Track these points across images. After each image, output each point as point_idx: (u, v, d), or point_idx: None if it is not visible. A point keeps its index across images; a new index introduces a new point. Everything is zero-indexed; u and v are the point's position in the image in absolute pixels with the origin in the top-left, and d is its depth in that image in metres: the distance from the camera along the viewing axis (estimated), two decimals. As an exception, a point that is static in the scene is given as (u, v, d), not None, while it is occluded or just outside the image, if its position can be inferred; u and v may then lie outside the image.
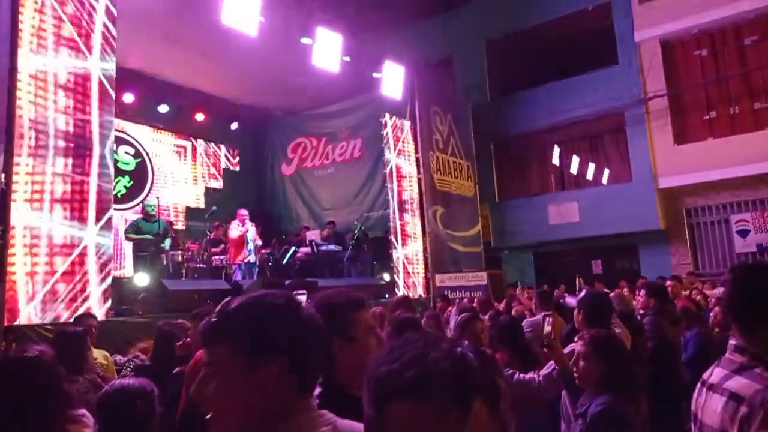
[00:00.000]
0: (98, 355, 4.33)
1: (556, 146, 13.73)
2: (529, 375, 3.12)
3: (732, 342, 1.63)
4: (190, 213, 12.01)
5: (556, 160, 13.67)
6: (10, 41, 5.63)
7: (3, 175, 5.40)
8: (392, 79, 10.66)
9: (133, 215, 9.75)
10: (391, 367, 0.73)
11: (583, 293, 3.59)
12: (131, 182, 11.01)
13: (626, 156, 13.60)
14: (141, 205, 9.19)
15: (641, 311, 4.84)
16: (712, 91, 12.78)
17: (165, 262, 8.34)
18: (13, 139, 5.48)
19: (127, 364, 4.93)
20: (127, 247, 9.37)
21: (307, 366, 1.09)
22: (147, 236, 8.04)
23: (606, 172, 14.09)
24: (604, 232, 13.08)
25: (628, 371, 2.47)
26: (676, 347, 4.79)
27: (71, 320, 5.15)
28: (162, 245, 8.16)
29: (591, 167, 13.96)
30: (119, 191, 10.36)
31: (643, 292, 5.05)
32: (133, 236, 8.14)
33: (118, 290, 6.94)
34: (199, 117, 12.15)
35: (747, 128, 12.09)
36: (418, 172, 11.56)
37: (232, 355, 1.04)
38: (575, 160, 13.84)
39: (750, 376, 1.52)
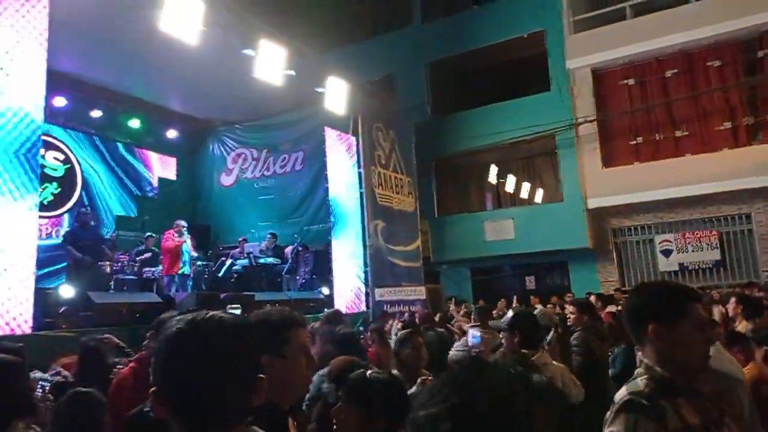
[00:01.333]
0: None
1: (493, 165, 14.17)
2: None
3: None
4: (120, 222, 11.53)
5: (493, 179, 14.11)
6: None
7: None
8: (335, 94, 10.69)
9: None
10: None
11: (509, 314, 3.63)
12: (59, 189, 10.49)
13: (557, 177, 14.21)
14: (77, 213, 8.80)
15: (571, 326, 5.04)
16: (638, 118, 13.57)
17: (101, 274, 8.01)
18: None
19: (42, 383, 4.66)
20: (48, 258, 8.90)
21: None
22: (85, 247, 7.71)
23: (539, 191, 14.67)
24: (536, 249, 13.57)
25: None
26: (603, 363, 5.01)
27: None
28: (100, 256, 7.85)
29: (525, 186, 14.48)
30: (46, 197, 9.84)
31: (573, 308, 5.25)
32: (70, 247, 7.78)
33: (41, 302, 6.57)
34: (135, 123, 11.75)
35: (670, 154, 12.90)
36: (360, 187, 11.62)
37: None
38: (511, 180, 14.33)
39: (630, 384, 1.68)
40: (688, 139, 12.90)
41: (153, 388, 1.08)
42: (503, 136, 13.92)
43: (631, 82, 13.60)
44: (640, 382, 1.65)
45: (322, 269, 11.17)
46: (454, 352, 4.44)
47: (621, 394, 1.69)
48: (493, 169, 14.06)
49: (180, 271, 8.95)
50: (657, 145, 13.22)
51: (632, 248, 13.53)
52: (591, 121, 13.48)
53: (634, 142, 13.49)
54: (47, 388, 4.02)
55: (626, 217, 13.44)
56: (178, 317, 1.14)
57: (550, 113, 13.51)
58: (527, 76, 14.35)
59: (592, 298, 7.82)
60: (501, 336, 3.57)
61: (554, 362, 3.39)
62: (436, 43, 15.30)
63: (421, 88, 15.52)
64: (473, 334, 3.30)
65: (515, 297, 9.99)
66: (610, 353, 5.14)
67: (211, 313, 1.14)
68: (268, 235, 11.41)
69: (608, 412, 1.67)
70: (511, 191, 14.42)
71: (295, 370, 1.60)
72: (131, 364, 3.40)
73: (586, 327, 5.08)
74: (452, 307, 10.42)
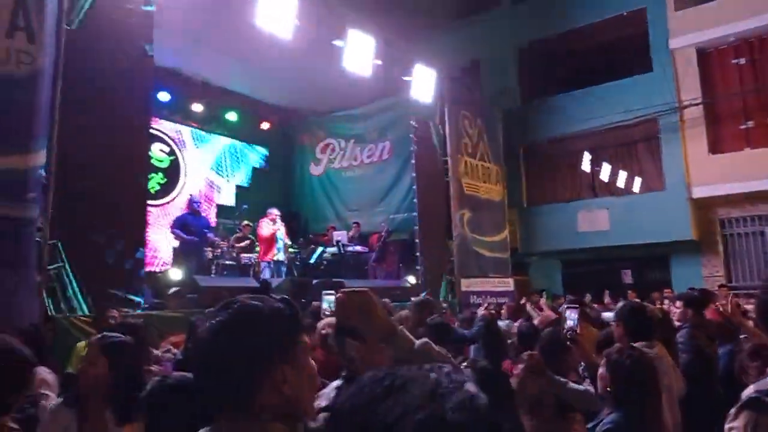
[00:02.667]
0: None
1: (586, 152, 13.57)
2: (584, 386, 3.02)
3: None
4: (220, 210, 12.20)
5: (586, 167, 13.51)
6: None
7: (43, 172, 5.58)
8: (422, 83, 10.68)
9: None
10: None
11: (620, 305, 3.46)
12: (165, 179, 11.24)
13: (659, 164, 13.37)
14: (188, 201, 9.43)
15: (677, 323, 4.74)
16: (749, 101, 12.49)
17: (201, 259, 8.54)
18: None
19: (162, 356, 5.03)
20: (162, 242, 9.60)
21: None
22: (193, 233, 8.27)
23: (638, 180, 13.87)
24: (634, 242, 12.87)
25: (642, 390, 2.35)
26: (712, 362, 4.68)
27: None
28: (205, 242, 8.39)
29: (622, 175, 13.75)
30: (153, 188, 10.58)
31: (679, 303, 4.95)
32: (178, 231, 8.36)
33: (152, 284, 7.09)
34: (231, 116, 12.34)
35: (786, 138, 11.81)
36: (446, 176, 11.54)
37: None
38: (606, 168, 13.65)
39: (760, 381, 1.58)
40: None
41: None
42: (599, 122, 13.29)
43: (741, 61, 12.53)
44: None
45: (408, 258, 11.24)
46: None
47: (748, 391, 1.60)
48: (587, 157, 13.45)
49: (275, 258, 9.33)
50: (771, 129, 12.11)
51: (741, 241, 12.50)
52: (697, 104, 12.56)
53: (745, 126, 12.45)
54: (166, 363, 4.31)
55: (735, 207, 12.42)
56: (209, 311, 1.17)
57: (651, 96, 12.72)
58: (625, 58, 13.57)
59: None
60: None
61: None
62: (526, 26, 14.82)
63: (509, 73, 15.12)
64: (571, 317, 3.14)
65: (606, 291, 9.43)
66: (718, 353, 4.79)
67: (253, 304, 1.14)
68: (353, 224, 11.61)
69: (732, 408, 1.59)
70: (607, 180, 13.72)
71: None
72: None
73: (693, 324, 4.76)
74: (542, 300, 10.12)
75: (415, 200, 11.14)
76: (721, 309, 6.48)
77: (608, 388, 2.41)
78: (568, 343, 3.12)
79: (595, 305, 7.83)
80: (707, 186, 12.38)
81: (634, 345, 2.92)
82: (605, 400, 2.47)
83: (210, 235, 8.65)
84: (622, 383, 2.34)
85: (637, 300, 6.51)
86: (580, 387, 2.96)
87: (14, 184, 5.33)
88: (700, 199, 12.55)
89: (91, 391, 2.20)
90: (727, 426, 1.57)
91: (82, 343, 4.70)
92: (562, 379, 2.91)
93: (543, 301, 9.66)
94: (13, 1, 5.52)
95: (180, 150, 11.74)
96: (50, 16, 5.81)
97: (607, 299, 9.13)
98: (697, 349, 4.50)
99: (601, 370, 2.48)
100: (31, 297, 5.25)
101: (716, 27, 12.36)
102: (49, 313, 5.50)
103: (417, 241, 10.97)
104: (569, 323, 3.11)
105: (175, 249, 8.68)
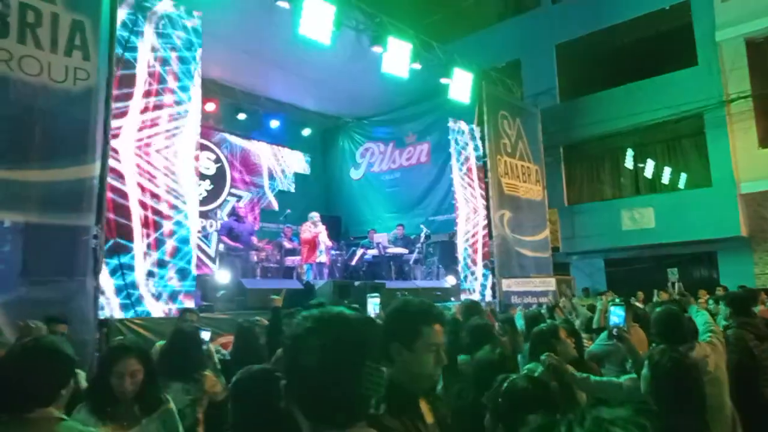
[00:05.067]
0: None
1: (629, 149, 13.30)
2: (607, 379, 3.07)
3: None
4: (264, 215, 12.53)
5: (629, 164, 13.24)
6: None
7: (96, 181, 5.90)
8: (460, 84, 10.72)
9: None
10: None
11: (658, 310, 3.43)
12: (212, 185, 11.64)
13: (705, 160, 12.99)
14: (233, 207, 9.77)
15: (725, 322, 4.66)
16: (802, 91, 12.01)
17: (247, 262, 8.81)
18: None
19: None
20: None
21: None
22: (238, 237, 8.58)
23: (683, 176, 13.51)
24: (681, 239, 12.54)
25: (681, 393, 2.37)
26: (761, 363, 4.57)
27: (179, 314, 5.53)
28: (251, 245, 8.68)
29: (667, 171, 13.42)
30: (200, 194, 10.96)
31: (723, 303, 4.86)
32: (225, 237, 8.68)
33: (201, 287, 7.37)
34: (274, 124, 12.66)
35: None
36: (486, 177, 11.53)
37: None
38: (650, 164, 13.35)
39: None
40: None
41: (284, 381, 1.14)
42: (641, 118, 13.01)
43: (793, 50, 12.05)
44: None
45: (448, 259, 11.28)
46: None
47: None
48: (630, 154, 13.18)
49: (317, 260, 9.54)
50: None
51: (795, 237, 12.02)
52: (745, 97, 12.13)
53: (797, 118, 11.96)
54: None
55: (788, 202, 11.96)
56: (305, 313, 1.18)
57: (696, 90, 12.38)
58: (669, 52, 13.23)
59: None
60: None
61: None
62: (566, 24, 14.65)
63: (548, 72, 14.97)
64: (616, 313, 3.12)
65: (655, 291, 9.20)
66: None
67: (337, 310, 1.17)
68: (397, 226, 11.74)
69: None
70: (650, 176, 13.41)
71: (421, 366, 1.63)
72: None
73: (741, 323, 4.67)
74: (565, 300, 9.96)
75: (453, 201, 11.17)
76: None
77: (650, 389, 2.44)
78: (614, 340, 3.13)
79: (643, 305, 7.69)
80: (757, 181, 11.97)
81: (678, 348, 2.93)
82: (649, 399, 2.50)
83: (254, 239, 8.94)
84: (666, 385, 2.37)
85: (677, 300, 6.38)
86: (603, 378, 3.01)
87: (71, 195, 5.66)
88: (750, 194, 12.13)
89: (129, 395, 2.50)
90: None
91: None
92: (583, 375, 2.98)
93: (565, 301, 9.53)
94: (70, 23, 5.87)
95: (225, 157, 12.13)
96: (104, 35, 6.15)
97: (656, 298, 8.93)
98: (744, 350, 4.42)
99: (644, 371, 2.51)
100: (87, 302, 5.55)
101: (766, 16, 11.92)
102: (103, 317, 5.77)
103: (456, 242, 11.01)
104: (614, 320, 3.12)
105: (221, 253, 8.99)
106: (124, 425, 2.48)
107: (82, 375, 3.04)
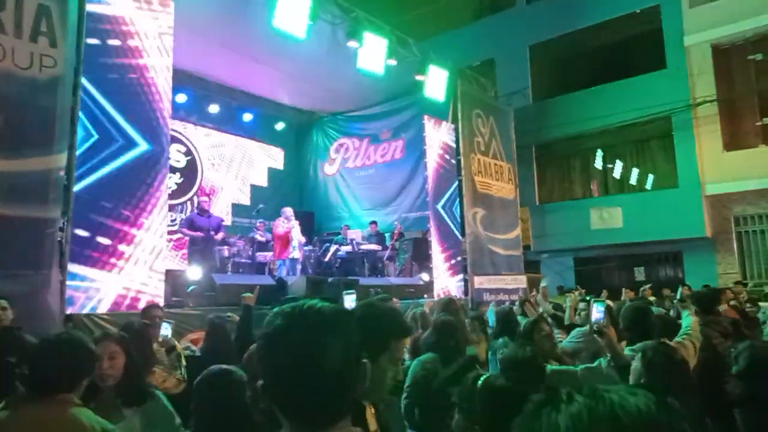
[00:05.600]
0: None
1: (599, 150, 13.55)
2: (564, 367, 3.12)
3: None
4: (236, 209, 12.37)
5: (599, 164, 13.50)
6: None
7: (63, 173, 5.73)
8: (435, 82, 10.75)
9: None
10: None
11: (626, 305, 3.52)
12: (182, 179, 11.42)
13: (672, 161, 13.33)
14: (195, 200, 9.56)
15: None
16: (765, 97, 12.40)
17: (214, 257, 8.66)
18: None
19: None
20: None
21: None
22: (199, 231, 8.39)
23: (650, 177, 13.84)
24: (648, 238, 12.85)
25: (676, 385, 2.38)
26: (724, 360, 4.70)
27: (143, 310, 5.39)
28: (214, 240, 8.50)
29: (635, 172, 13.72)
30: (170, 187, 10.74)
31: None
32: (187, 231, 8.50)
33: (170, 282, 7.22)
34: (247, 117, 12.49)
35: (802, 135, 11.73)
36: (459, 174, 11.60)
37: None
38: (619, 165, 13.63)
39: None
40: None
41: (260, 381, 1.05)
42: (611, 119, 13.26)
43: (758, 57, 12.42)
44: None
45: (422, 256, 11.32)
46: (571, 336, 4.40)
47: None
48: (599, 154, 13.44)
49: (290, 256, 9.46)
50: (788, 125, 12.03)
51: (757, 238, 12.43)
52: (711, 101, 12.48)
53: (761, 123, 12.35)
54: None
55: (751, 205, 12.35)
56: (276, 309, 1.10)
57: (665, 93, 12.68)
58: (638, 55, 13.53)
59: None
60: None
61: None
62: (540, 25, 14.83)
63: (522, 72, 15.14)
64: (598, 310, 3.16)
65: (624, 289, 9.40)
66: (732, 350, 4.81)
67: (310, 303, 1.08)
68: (370, 224, 11.72)
69: None
70: (619, 177, 13.70)
71: (381, 378, 1.60)
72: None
73: (707, 322, 4.79)
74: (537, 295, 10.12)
75: (428, 199, 11.21)
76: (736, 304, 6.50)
77: (641, 381, 2.47)
78: (595, 335, 3.19)
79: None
80: (721, 183, 12.34)
81: (668, 342, 2.98)
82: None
83: (220, 233, 8.73)
84: (659, 379, 2.41)
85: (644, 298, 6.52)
86: (561, 367, 3.08)
87: (36, 186, 5.47)
88: (714, 195, 12.50)
89: (109, 380, 2.50)
90: None
91: None
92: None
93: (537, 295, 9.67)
94: (36, 7, 5.67)
95: (196, 150, 11.91)
96: (71, 22, 5.96)
97: (623, 296, 9.13)
98: (709, 347, 4.54)
99: (634, 364, 2.54)
100: (52, 296, 5.39)
101: (732, 23, 12.28)
102: (69, 312, 5.61)
103: (430, 239, 11.05)
104: (596, 316, 3.17)
105: (189, 248, 8.83)
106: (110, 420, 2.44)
107: None
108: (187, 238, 8.84)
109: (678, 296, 7.28)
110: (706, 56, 12.65)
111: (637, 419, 0.62)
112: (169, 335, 4.27)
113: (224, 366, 2.46)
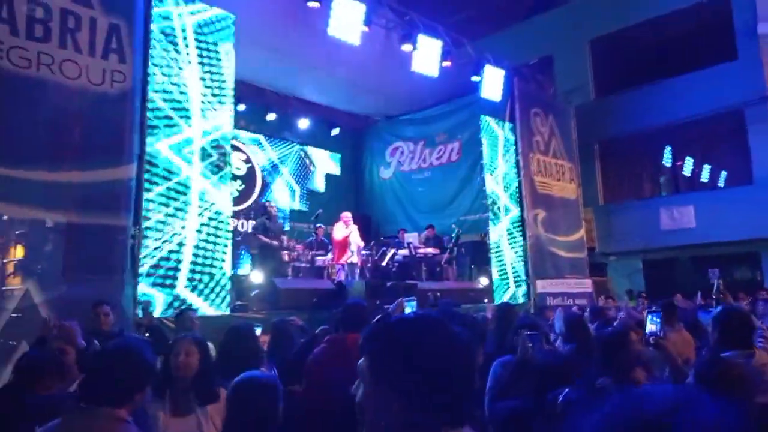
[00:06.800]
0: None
1: (667, 147, 12.94)
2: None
3: None
4: (294, 215, 12.57)
5: (667, 162, 12.89)
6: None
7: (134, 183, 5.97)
8: (492, 82, 10.57)
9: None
10: None
11: (718, 309, 3.23)
12: (243, 186, 11.74)
13: (747, 157, 12.56)
14: (264, 206, 9.76)
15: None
16: None
17: (279, 262, 8.83)
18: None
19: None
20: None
21: None
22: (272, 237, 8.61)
23: (723, 174, 13.09)
24: (722, 239, 12.14)
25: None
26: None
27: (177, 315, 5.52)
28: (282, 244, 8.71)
29: (706, 169, 13.02)
30: (232, 194, 11.04)
31: (776, 303, 4.65)
32: (261, 235, 8.72)
33: (235, 287, 7.41)
34: (303, 124, 12.69)
35: None
36: (518, 175, 11.34)
37: None
38: (689, 162, 12.97)
39: None
40: None
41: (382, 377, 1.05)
42: (679, 114, 12.65)
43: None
44: None
45: (480, 259, 11.13)
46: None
47: None
48: (668, 151, 12.82)
49: (349, 260, 9.51)
50: None
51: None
52: (790, 92, 11.70)
53: None
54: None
55: (836, 200, 11.46)
56: (402, 314, 1.15)
57: (736, 86, 12.01)
58: (708, 47, 12.84)
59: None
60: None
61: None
62: (599, 18, 14.35)
63: (582, 67, 14.68)
64: (653, 321, 2.96)
65: (699, 292, 8.92)
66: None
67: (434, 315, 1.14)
68: (427, 227, 11.62)
69: None
70: (689, 174, 13.03)
71: None
72: (323, 344, 3.69)
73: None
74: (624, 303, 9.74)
75: (485, 201, 11.02)
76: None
77: None
78: (651, 348, 3.00)
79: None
80: (802, 178, 11.52)
81: (726, 355, 2.76)
82: None
83: (285, 238, 8.95)
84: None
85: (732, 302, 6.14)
86: None
87: (108, 196, 5.75)
88: (795, 192, 11.68)
89: (183, 377, 2.65)
90: None
91: None
92: None
93: (625, 303, 9.30)
94: (107, 27, 5.96)
95: (255, 158, 12.21)
96: (138, 38, 6.23)
97: (699, 300, 8.69)
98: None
99: (689, 380, 2.39)
100: (126, 301, 5.61)
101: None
102: (139, 316, 5.81)
103: (488, 242, 10.85)
104: (651, 329, 2.97)
105: (253, 253, 9.03)
106: (180, 411, 2.62)
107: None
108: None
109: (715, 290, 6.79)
110: (784, 44, 11.87)
111: None
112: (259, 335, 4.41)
113: (258, 373, 2.52)
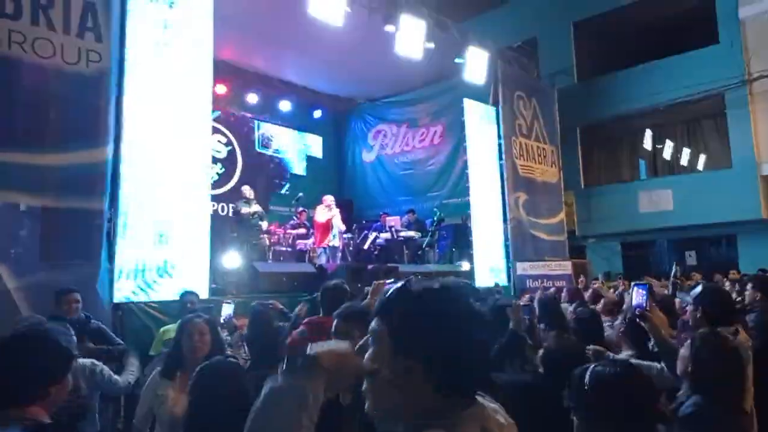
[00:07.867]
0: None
1: (648, 130, 13.05)
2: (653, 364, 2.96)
3: None
4: (275, 198, 12.49)
5: (648, 145, 13.01)
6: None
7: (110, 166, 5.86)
8: (475, 65, 10.51)
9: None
10: None
11: (699, 288, 3.30)
12: (223, 169, 11.61)
13: (725, 141, 12.72)
14: (240, 189, 9.67)
15: (747, 307, 4.55)
16: (828, 70, 11.67)
17: (255, 245, 8.78)
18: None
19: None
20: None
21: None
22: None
23: (702, 157, 13.26)
24: (699, 221, 12.34)
25: (726, 377, 2.29)
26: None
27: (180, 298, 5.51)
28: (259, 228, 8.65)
29: (686, 153, 13.17)
30: (213, 177, 10.93)
31: (749, 285, 4.75)
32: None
33: (211, 270, 7.34)
34: (285, 106, 12.55)
35: None
36: (500, 158, 11.36)
37: None
38: (669, 145, 13.11)
39: None
40: None
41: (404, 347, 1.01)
42: (660, 98, 12.74)
43: (820, 27, 11.68)
44: None
45: (462, 243, 11.19)
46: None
47: None
48: (648, 135, 12.93)
49: (330, 244, 9.50)
50: None
51: (818, 220, 11.77)
52: (768, 77, 11.83)
53: (823, 97, 11.63)
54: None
55: (811, 185, 11.69)
56: (418, 284, 1.09)
57: (717, 70, 12.09)
58: (689, 30, 12.90)
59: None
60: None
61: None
62: (584, 1, 14.30)
63: (565, 51, 14.67)
64: (640, 294, 2.98)
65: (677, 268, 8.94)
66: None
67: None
68: (408, 211, 11.63)
69: None
70: (669, 158, 13.17)
71: None
72: (302, 327, 3.69)
73: (765, 308, 4.55)
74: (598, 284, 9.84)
75: (468, 184, 11.04)
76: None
77: (688, 370, 2.36)
78: (636, 320, 3.05)
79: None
80: (779, 162, 11.71)
81: (718, 330, 2.82)
82: (683, 381, 2.43)
83: (263, 222, 8.90)
84: (706, 368, 2.29)
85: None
86: (652, 364, 2.90)
87: (85, 179, 5.64)
88: (771, 176, 11.89)
89: (196, 357, 2.74)
90: None
91: (167, 327, 4.99)
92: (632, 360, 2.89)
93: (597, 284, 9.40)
94: (83, 4, 5.80)
95: (236, 140, 12.07)
96: (115, 17, 6.07)
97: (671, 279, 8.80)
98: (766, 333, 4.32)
99: (682, 351, 2.43)
100: (102, 286, 5.55)
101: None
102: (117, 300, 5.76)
103: (470, 225, 10.90)
104: (637, 301, 3.01)
105: (233, 237, 8.98)
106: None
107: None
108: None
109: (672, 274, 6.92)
110: (764, 28, 11.95)
111: None
112: (231, 315, 4.43)
113: (227, 358, 2.64)
